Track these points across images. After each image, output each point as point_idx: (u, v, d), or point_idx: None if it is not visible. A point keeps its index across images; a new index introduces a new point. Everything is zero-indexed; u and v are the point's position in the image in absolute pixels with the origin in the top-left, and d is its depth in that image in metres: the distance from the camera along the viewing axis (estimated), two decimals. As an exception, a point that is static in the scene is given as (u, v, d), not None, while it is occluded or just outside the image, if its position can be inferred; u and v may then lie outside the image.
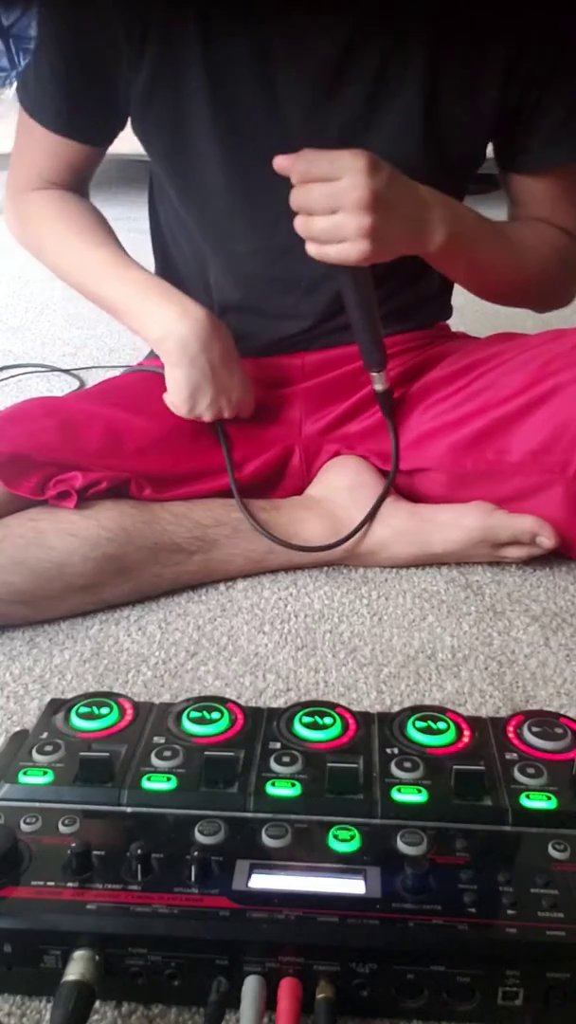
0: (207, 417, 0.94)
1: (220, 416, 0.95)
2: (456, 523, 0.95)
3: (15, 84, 0.99)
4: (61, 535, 0.86)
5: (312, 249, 0.81)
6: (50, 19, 0.90)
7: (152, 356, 1.12)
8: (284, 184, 0.80)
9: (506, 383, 0.94)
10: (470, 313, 1.30)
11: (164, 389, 0.95)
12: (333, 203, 0.77)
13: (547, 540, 0.92)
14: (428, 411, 0.98)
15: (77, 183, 1.01)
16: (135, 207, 1.08)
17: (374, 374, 0.94)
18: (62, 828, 0.55)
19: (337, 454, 1.02)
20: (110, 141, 0.99)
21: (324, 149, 0.78)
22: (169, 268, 1.07)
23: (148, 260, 1.07)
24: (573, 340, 0.94)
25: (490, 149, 0.96)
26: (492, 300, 1.02)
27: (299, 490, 1.02)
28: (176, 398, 0.93)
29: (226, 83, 0.87)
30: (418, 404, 1.00)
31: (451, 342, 1.07)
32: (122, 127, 0.97)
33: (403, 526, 0.96)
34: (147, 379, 1.01)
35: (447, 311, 1.11)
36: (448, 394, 0.98)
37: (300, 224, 0.80)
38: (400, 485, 1.00)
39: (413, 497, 1.00)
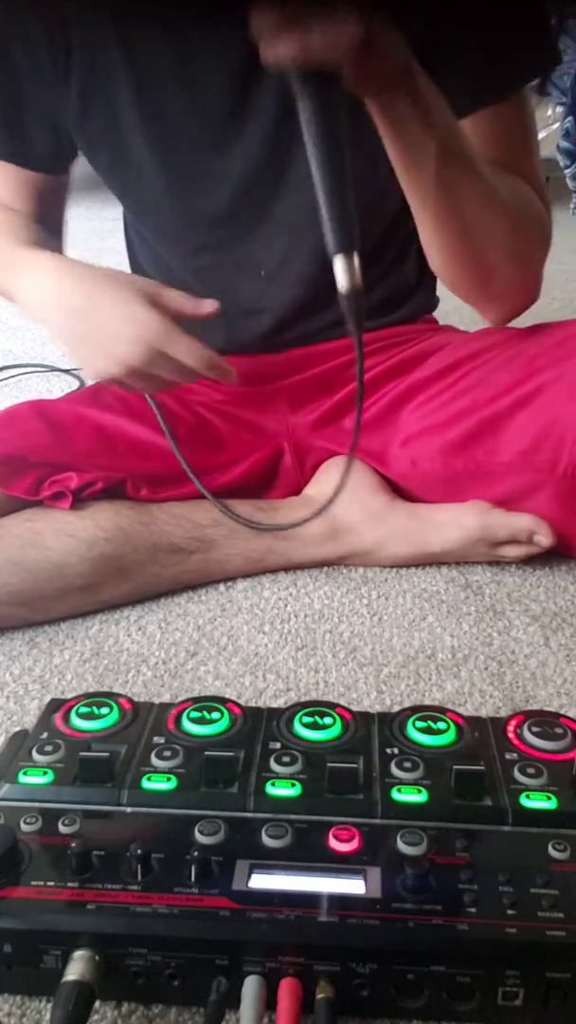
0: (120, 373, 0.81)
1: (165, 381, 0.83)
2: (454, 522, 0.95)
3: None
4: (58, 535, 0.86)
5: (284, 47, 0.60)
6: None
7: None
8: (219, 180, 0.77)
9: (493, 382, 0.93)
10: (469, 312, 1.30)
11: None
12: None
13: (544, 539, 0.92)
14: (417, 410, 0.98)
15: (46, 210, 0.99)
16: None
17: (338, 261, 0.66)
18: (62, 828, 0.55)
19: (330, 453, 1.02)
20: (65, 168, 0.98)
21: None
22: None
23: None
24: (557, 336, 0.94)
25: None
26: (457, 264, 0.87)
27: (294, 490, 1.02)
28: (87, 371, 0.85)
29: (151, 87, 0.87)
30: (407, 403, 0.99)
31: (438, 336, 1.07)
32: (75, 153, 0.96)
33: (401, 526, 0.96)
34: None
35: (432, 302, 1.10)
36: (436, 392, 0.98)
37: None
38: (394, 487, 1.00)
39: (408, 499, 1.00)
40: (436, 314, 1.12)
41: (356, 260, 0.66)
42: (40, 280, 0.84)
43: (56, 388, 1.51)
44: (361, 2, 0.60)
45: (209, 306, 0.81)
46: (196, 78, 0.86)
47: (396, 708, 0.74)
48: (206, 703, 0.65)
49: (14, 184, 0.97)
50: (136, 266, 1.08)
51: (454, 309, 1.12)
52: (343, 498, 0.97)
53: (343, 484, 0.83)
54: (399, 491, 1.00)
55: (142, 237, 1.03)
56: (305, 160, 0.67)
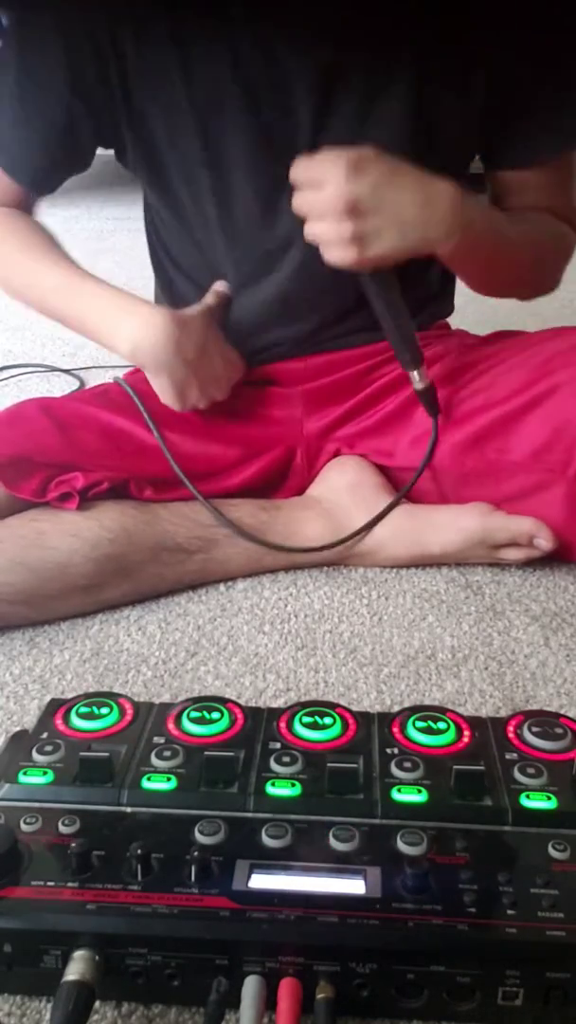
0: (202, 405, 0.94)
1: (215, 400, 0.95)
2: (454, 524, 0.95)
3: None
4: (62, 535, 0.86)
5: (323, 251, 0.81)
6: (29, 75, 0.88)
7: None
8: (279, 218, 0.82)
9: (506, 382, 0.94)
10: (471, 313, 1.30)
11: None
12: (320, 209, 0.79)
13: (545, 542, 0.92)
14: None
15: (25, 206, 0.99)
16: (135, 207, 1.07)
17: (412, 373, 0.91)
18: (62, 828, 0.55)
19: (338, 453, 1.02)
20: (47, 191, 0.98)
21: (335, 147, 0.78)
22: (168, 286, 1.06)
23: (144, 266, 1.07)
24: (572, 339, 0.94)
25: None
26: (485, 292, 1.01)
27: (302, 489, 1.02)
28: (167, 401, 0.93)
29: (211, 115, 0.87)
30: (419, 403, 1.00)
31: (451, 339, 1.07)
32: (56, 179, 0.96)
33: (402, 526, 0.96)
34: (142, 380, 1.01)
35: (448, 308, 1.10)
36: (449, 393, 0.98)
37: (306, 229, 0.81)
38: (400, 482, 1.00)
39: (414, 495, 1.00)
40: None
41: (423, 368, 0.92)
42: (141, 338, 0.88)
43: (56, 388, 1.51)
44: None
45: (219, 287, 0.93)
46: (259, 108, 0.86)
47: (396, 708, 0.74)
48: (206, 703, 0.65)
49: (6, 190, 0.96)
50: (159, 264, 1.06)
51: (457, 308, 1.12)
52: (345, 498, 0.98)
53: (379, 518, 0.95)
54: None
55: (177, 248, 1.01)
56: None
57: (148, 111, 0.88)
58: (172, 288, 1.04)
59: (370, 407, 1.01)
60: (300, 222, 0.81)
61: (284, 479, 1.02)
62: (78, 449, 0.91)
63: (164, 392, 0.92)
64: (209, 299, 0.94)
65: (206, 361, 0.92)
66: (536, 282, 1.01)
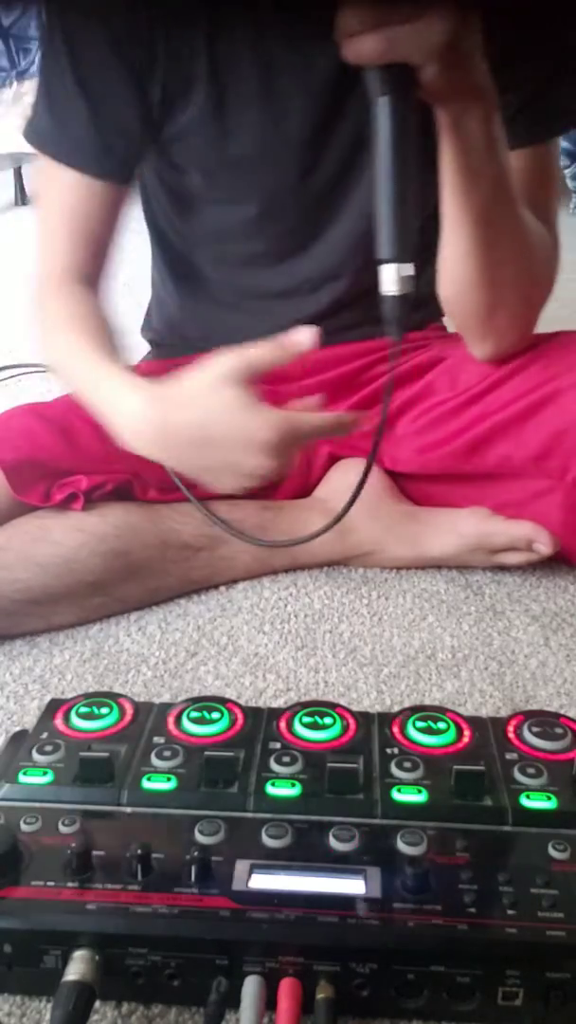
0: (246, 486, 0.77)
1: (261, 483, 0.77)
2: (452, 528, 0.95)
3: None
4: (68, 530, 0.86)
5: (369, 42, 0.62)
6: (65, 43, 0.82)
7: (148, 358, 1.12)
8: (287, 200, 0.79)
9: (505, 388, 0.93)
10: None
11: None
12: None
13: (543, 547, 0.91)
14: (427, 415, 0.98)
15: (99, 262, 0.94)
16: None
17: (389, 268, 0.67)
18: (62, 828, 0.55)
19: (331, 454, 1.02)
20: (132, 177, 0.91)
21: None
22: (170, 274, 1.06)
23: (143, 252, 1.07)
24: (572, 342, 0.94)
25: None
26: (473, 294, 0.85)
27: (298, 488, 1.02)
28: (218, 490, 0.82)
29: (233, 105, 0.84)
30: (415, 407, 0.99)
31: (448, 342, 1.06)
32: (138, 157, 0.90)
33: (401, 529, 0.96)
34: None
35: (440, 312, 1.10)
36: (447, 398, 0.97)
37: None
38: (400, 488, 1.00)
39: (415, 498, 1.00)
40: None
41: (410, 269, 0.67)
42: (141, 415, 0.75)
43: (56, 388, 1.51)
44: (451, 5, 0.62)
45: (305, 335, 0.70)
46: (279, 102, 0.84)
47: (396, 708, 0.74)
48: (206, 703, 0.65)
49: (80, 218, 0.90)
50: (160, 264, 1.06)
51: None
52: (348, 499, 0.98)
53: (355, 496, 0.82)
54: (405, 493, 1.00)
55: (173, 238, 1.00)
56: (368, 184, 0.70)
57: (174, 111, 0.84)
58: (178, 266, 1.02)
59: (370, 406, 1.01)
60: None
61: (281, 481, 1.02)
62: (81, 452, 0.91)
63: (197, 479, 0.81)
64: (265, 354, 0.72)
65: (238, 448, 0.72)
66: (526, 298, 0.88)
